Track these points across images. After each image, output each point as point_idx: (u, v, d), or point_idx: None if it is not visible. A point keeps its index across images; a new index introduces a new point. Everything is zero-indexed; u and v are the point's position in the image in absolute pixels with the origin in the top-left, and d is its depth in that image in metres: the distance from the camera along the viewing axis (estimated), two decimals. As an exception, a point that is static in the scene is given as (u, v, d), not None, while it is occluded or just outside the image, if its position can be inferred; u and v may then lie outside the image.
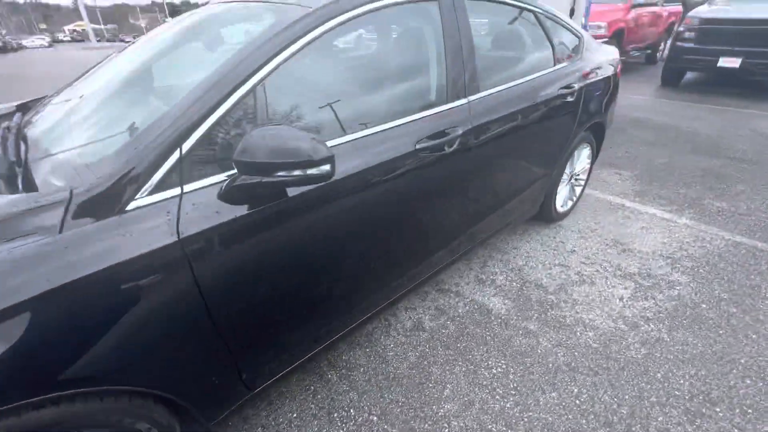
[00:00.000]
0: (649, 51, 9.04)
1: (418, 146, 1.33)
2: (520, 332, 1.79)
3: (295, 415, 1.46)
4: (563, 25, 2.12)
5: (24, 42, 36.97)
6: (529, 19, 1.92)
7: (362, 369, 1.63)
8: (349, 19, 1.21)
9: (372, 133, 1.23)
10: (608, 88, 2.43)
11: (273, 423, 1.43)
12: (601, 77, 2.32)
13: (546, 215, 2.49)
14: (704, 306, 1.92)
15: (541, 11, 1.95)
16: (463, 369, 1.62)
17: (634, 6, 7.57)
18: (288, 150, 0.87)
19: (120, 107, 1.19)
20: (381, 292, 1.53)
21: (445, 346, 1.73)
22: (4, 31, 39.93)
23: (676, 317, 1.85)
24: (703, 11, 6.28)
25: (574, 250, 2.36)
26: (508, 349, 1.71)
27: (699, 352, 1.67)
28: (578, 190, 2.70)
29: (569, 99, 2.04)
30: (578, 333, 1.78)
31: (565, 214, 2.66)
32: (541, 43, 1.99)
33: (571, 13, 4.12)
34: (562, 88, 1.98)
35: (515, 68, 1.84)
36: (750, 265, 2.20)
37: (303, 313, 1.25)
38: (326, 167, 0.92)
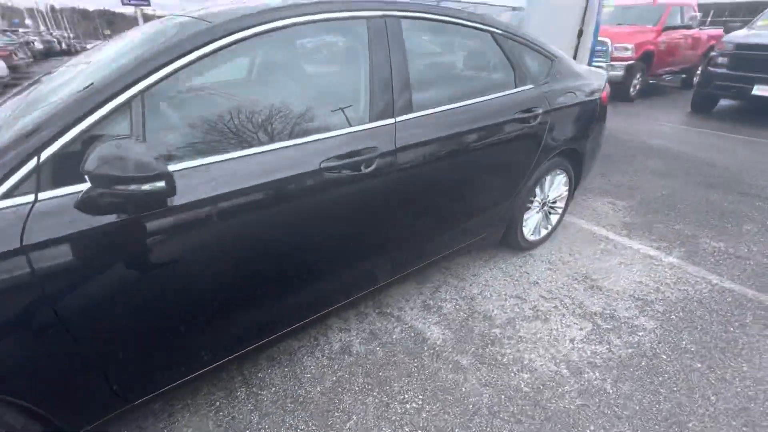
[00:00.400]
0: (684, 75, 8.58)
1: (323, 165, 1.29)
2: (450, 366, 1.68)
3: (190, 430, 1.43)
4: (531, 47, 2.02)
5: (88, 46, 40.27)
6: (485, 40, 1.85)
7: (274, 389, 1.58)
8: (253, 35, 1.20)
9: (267, 150, 1.21)
10: (587, 113, 2.30)
11: (166, 436, 1.41)
12: (577, 101, 2.20)
13: (512, 243, 2.36)
14: (664, 357, 1.73)
15: (500, 32, 1.87)
16: (376, 400, 1.54)
17: (666, 28, 7.23)
18: (124, 164, 0.86)
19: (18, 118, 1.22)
20: (278, 315, 1.47)
21: (365, 374, 1.65)
22: (72, 35, 43.54)
23: (628, 367, 1.68)
24: (739, 36, 5.90)
25: (538, 282, 2.22)
26: (430, 384, 1.60)
27: (642, 409, 1.50)
28: (555, 218, 2.55)
29: (532, 123, 1.94)
30: (512, 374, 1.65)
31: (537, 243, 2.51)
32: (498, 65, 1.91)
33: (580, 34, 3.97)
34: (520, 111, 1.88)
35: (463, 90, 1.78)
36: (732, 316, 1.98)
37: (180, 330, 1.22)
38: (160, 184, 0.90)
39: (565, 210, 2.57)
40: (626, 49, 6.66)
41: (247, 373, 1.66)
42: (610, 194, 3.35)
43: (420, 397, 1.55)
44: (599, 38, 6.78)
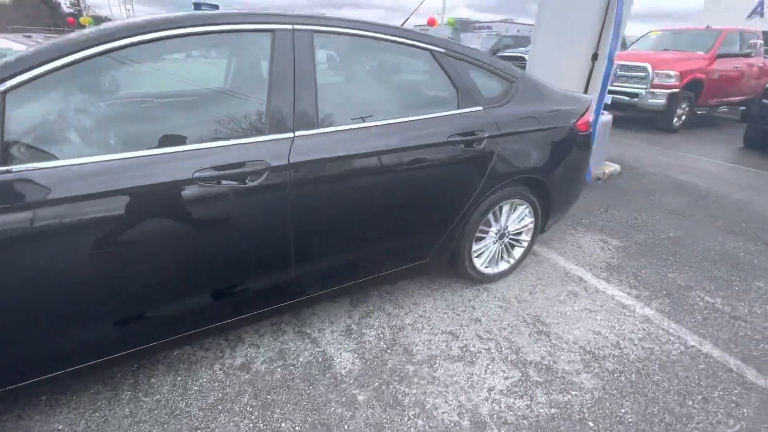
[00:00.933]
0: (744, 108, 7.75)
1: (197, 174, 1.27)
2: (343, 400, 1.57)
3: (60, 426, 1.43)
4: (482, 66, 1.90)
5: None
6: (423, 58, 1.76)
7: (157, 397, 1.56)
8: (139, 43, 1.22)
9: (135, 157, 1.21)
10: (556, 140, 2.11)
11: (36, 429, 1.42)
12: (540, 127, 2.03)
13: (462, 273, 2.20)
14: (590, 425, 1.49)
15: (441, 50, 1.77)
16: (250, 425, 1.46)
17: (721, 56, 6.62)
18: None
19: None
20: (158, 323, 1.44)
21: (253, 395, 1.58)
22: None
23: (543, 430, 1.47)
24: (802, 66, 5.25)
25: (480, 320, 2.03)
26: (314, 416, 1.50)
27: (538, 482, 1.29)
28: (519, 251, 2.35)
29: (475, 146, 1.81)
30: (407, 418, 1.50)
31: (495, 277, 2.31)
32: (436, 85, 1.80)
33: (594, 57, 3.71)
34: (458, 134, 1.76)
35: (387, 109, 1.70)
36: (698, 386, 1.68)
37: (40, 326, 1.22)
38: None
39: (531, 244, 2.36)
40: (669, 76, 6.17)
41: (141, 376, 1.65)
42: (606, 231, 3.04)
43: (297, 428, 1.45)
44: (639, 64, 6.37)
